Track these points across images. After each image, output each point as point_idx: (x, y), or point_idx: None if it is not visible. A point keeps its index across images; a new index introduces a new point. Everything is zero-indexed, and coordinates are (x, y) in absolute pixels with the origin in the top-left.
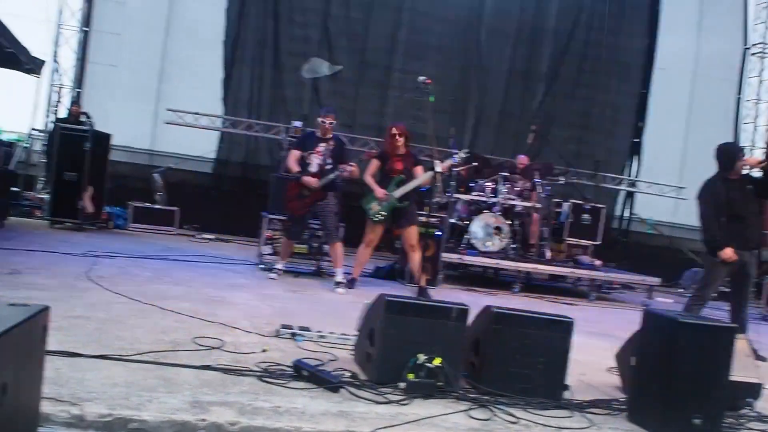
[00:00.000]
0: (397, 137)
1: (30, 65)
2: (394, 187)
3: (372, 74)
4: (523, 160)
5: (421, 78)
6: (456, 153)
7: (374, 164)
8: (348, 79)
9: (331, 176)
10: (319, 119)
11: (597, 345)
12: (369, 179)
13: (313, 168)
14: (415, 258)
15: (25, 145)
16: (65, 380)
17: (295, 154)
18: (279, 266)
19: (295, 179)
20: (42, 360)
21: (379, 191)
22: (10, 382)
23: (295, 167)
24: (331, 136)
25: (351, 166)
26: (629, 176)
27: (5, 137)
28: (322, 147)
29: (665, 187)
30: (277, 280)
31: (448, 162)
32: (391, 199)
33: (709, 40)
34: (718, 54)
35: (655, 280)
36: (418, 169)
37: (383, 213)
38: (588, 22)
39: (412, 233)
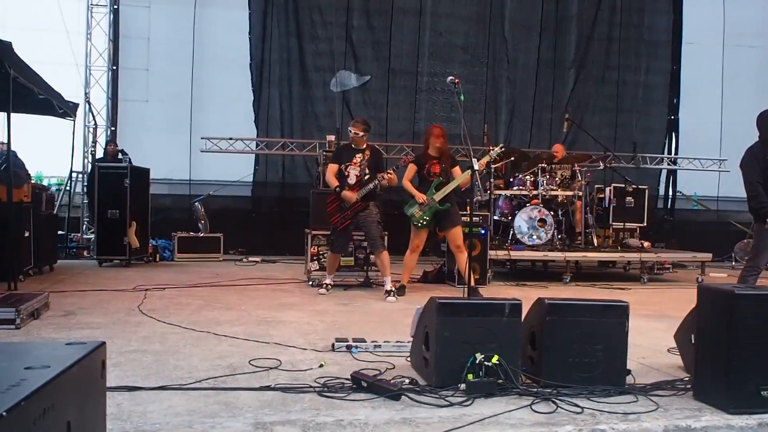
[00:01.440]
0: (442, 137)
1: (64, 109)
2: (433, 190)
3: (400, 81)
4: (559, 149)
5: (450, 78)
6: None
7: (412, 169)
8: (377, 89)
9: (370, 186)
10: (349, 129)
11: (654, 327)
12: (408, 185)
13: (352, 179)
14: (462, 258)
15: (66, 188)
16: (128, 414)
17: (332, 168)
18: (327, 281)
19: (334, 193)
20: (103, 396)
21: (420, 196)
22: (73, 420)
23: (334, 181)
24: (365, 146)
25: (389, 173)
26: (669, 154)
27: (46, 182)
28: (358, 158)
29: (706, 161)
30: (326, 295)
31: (485, 159)
32: (433, 203)
33: (734, 9)
34: (745, 22)
35: (706, 256)
36: (456, 170)
37: (426, 217)
38: (611, 4)
39: (456, 234)
